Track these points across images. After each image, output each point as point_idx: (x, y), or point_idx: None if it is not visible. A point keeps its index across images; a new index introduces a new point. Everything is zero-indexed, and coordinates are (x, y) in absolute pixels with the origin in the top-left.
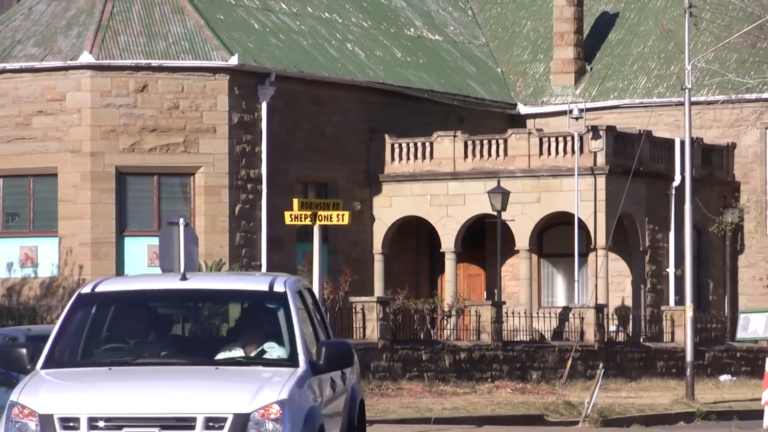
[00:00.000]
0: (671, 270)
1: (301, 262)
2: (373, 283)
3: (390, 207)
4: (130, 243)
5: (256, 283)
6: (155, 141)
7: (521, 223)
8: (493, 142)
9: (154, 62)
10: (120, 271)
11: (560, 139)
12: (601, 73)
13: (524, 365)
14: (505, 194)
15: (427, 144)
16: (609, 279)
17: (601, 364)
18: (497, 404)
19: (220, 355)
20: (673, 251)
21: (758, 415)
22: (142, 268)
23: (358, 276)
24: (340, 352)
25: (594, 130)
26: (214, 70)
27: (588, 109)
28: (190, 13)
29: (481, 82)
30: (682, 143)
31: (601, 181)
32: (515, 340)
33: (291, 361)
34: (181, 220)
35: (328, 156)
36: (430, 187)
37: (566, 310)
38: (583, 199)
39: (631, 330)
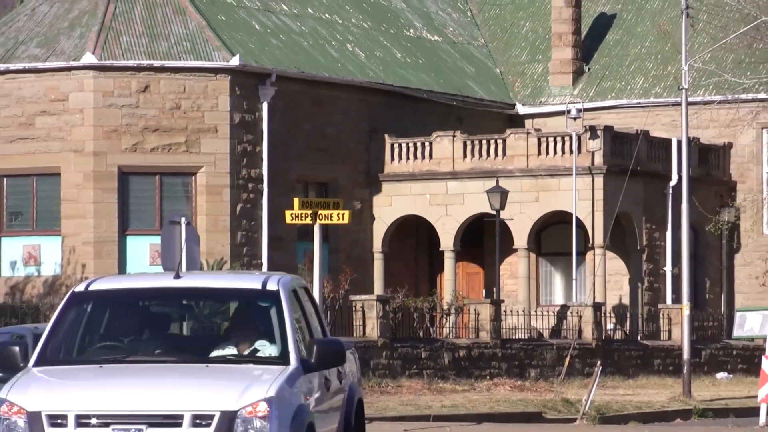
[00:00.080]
0: (668, 268)
1: (301, 261)
2: (373, 282)
3: (390, 206)
4: (132, 242)
5: (249, 281)
6: (157, 141)
7: (520, 222)
8: (492, 142)
9: (156, 63)
10: (122, 269)
11: (558, 139)
12: (598, 73)
13: (523, 363)
14: (504, 193)
15: (427, 144)
16: (607, 277)
17: (598, 362)
18: (496, 402)
19: (212, 353)
20: (670, 250)
21: (754, 412)
22: (144, 266)
23: (358, 274)
24: (331, 350)
25: (592, 130)
26: (216, 71)
27: (586, 110)
28: (192, 14)
29: (480, 82)
30: (679, 143)
31: (599, 180)
32: (514, 338)
33: (282, 359)
34: (183, 219)
35: (328, 156)
36: (429, 187)
37: (564, 309)
38: (581, 198)
39: (628, 328)
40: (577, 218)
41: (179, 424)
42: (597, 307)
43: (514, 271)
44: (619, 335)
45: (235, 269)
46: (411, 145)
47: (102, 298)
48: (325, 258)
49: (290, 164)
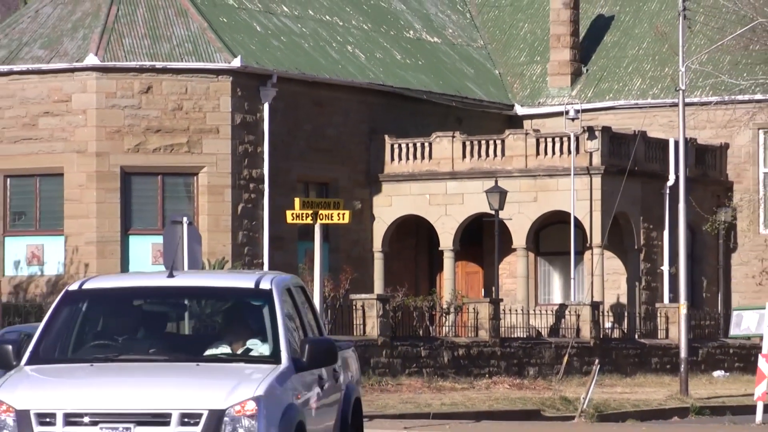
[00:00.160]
0: (665, 268)
1: (302, 261)
2: (373, 281)
3: (390, 206)
4: (134, 241)
5: (242, 280)
6: (159, 141)
7: (518, 221)
8: (491, 142)
9: (159, 64)
10: (125, 269)
11: (557, 139)
12: (596, 74)
13: (521, 361)
14: (503, 193)
15: (426, 144)
16: (604, 277)
17: (596, 361)
18: (495, 399)
19: (204, 352)
20: (667, 249)
21: (751, 410)
22: (146, 266)
23: (359, 274)
24: (323, 349)
25: (590, 131)
26: (217, 72)
27: (584, 110)
28: (194, 15)
29: (479, 83)
30: (676, 143)
31: (597, 180)
32: (512, 336)
33: (273, 357)
34: (185, 219)
35: (329, 156)
36: (429, 187)
37: (562, 308)
38: (579, 198)
39: (626, 327)
40: (575, 218)
41: (167, 423)
42: (595, 306)
43: (513, 270)
44: (616, 334)
45: (237, 269)
46: (411, 145)
47: (95, 297)
48: (325, 257)
49: (291, 164)
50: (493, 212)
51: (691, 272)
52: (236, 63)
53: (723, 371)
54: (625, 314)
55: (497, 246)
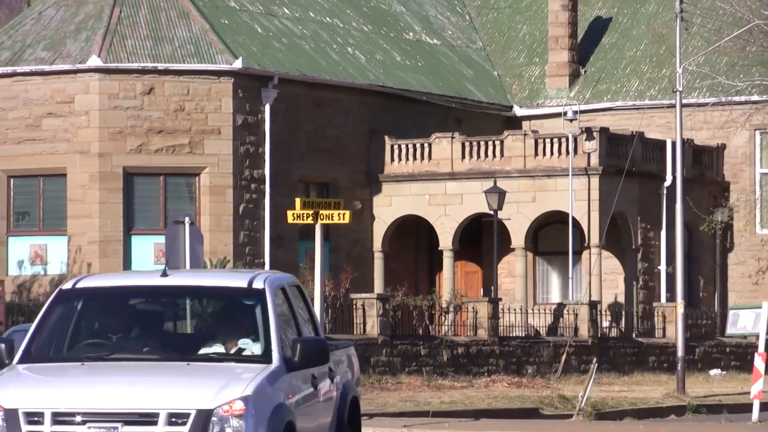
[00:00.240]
0: (663, 267)
1: (303, 260)
2: (373, 280)
3: (390, 206)
4: (137, 241)
5: (235, 280)
6: (161, 142)
7: (517, 221)
8: (490, 143)
9: (161, 65)
10: (127, 268)
11: (555, 140)
12: (594, 76)
13: (520, 360)
14: (502, 194)
15: (426, 145)
16: (602, 276)
17: (594, 359)
18: (494, 398)
19: (196, 352)
20: (664, 249)
21: (747, 408)
22: (148, 265)
23: (359, 273)
24: (314, 348)
25: (588, 132)
26: (219, 74)
27: (582, 111)
28: (196, 17)
29: (478, 84)
30: (674, 144)
31: (595, 181)
32: (511, 335)
33: (264, 357)
34: (187, 219)
35: (329, 156)
36: (428, 187)
37: (561, 307)
38: (577, 198)
39: (623, 326)
40: (573, 218)
41: (154, 423)
42: (593, 305)
43: (512, 269)
44: (614, 333)
45: (239, 268)
46: (410, 146)
47: (88, 296)
48: (326, 257)
49: (292, 165)
50: (492, 212)
51: (688, 272)
52: (238, 64)
53: (720, 370)
54: (623, 313)
55: (496, 246)
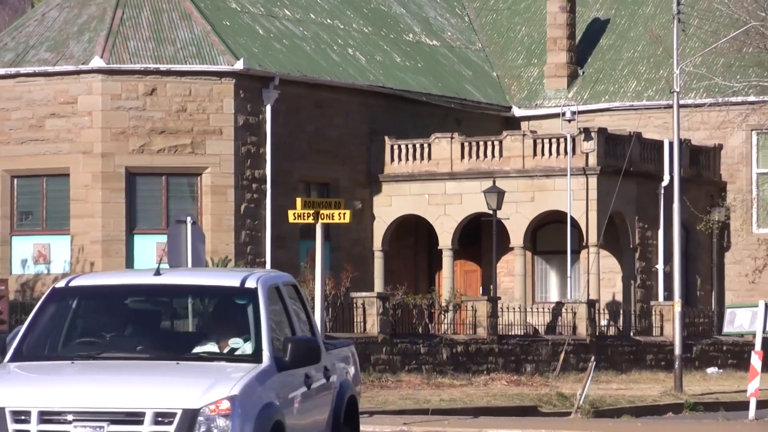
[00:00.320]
0: (660, 266)
1: (304, 259)
2: (373, 279)
3: (389, 206)
4: (139, 240)
5: (228, 278)
6: (164, 142)
7: (516, 221)
8: (489, 143)
9: (163, 66)
10: (130, 267)
11: (553, 140)
12: (592, 77)
13: (519, 358)
14: (501, 194)
15: (426, 145)
16: (600, 275)
17: (592, 357)
18: (493, 396)
19: (187, 351)
20: (662, 248)
21: (744, 406)
22: (151, 264)
23: (359, 272)
24: (306, 348)
25: (586, 132)
26: (221, 74)
27: (580, 112)
28: (197, 19)
29: (478, 85)
30: (671, 144)
31: (593, 180)
32: (510, 334)
33: (254, 356)
34: (189, 219)
35: (330, 157)
36: (428, 187)
37: (559, 305)
38: (576, 198)
39: (621, 324)
40: (571, 217)
41: (140, 422)
42: (591, 304)
43: (511, 269)
44: (612, 331)
45: (240, 267)
46: (410, 146)
47: (81, 295)
48: (326, 256)
49: (293, 165)
50: (491, 212)
51: (685, 271)
52: (239, 65)
53: (716, 368)
54: (621, 312)
55: (495, 245)
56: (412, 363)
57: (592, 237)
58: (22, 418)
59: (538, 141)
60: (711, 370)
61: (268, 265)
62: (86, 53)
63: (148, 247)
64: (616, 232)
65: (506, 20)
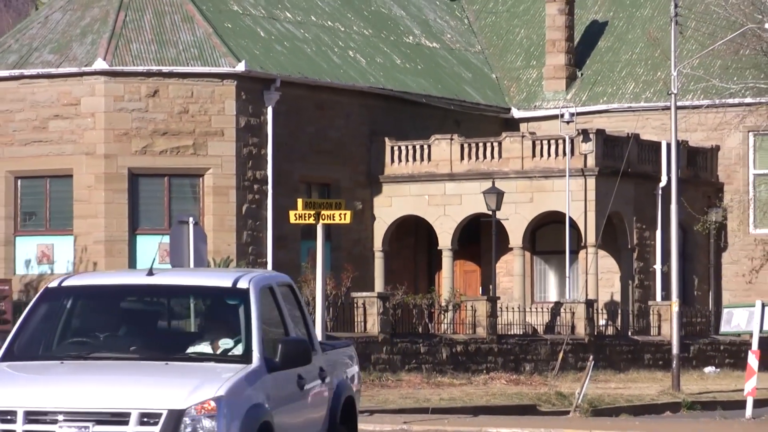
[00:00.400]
0: (658, 267)
1: (305, 259)
2: (373, 279)
3: (390, 206)
4: (142, 241)
5: (220, 279)
6: (166, 144)
7: (515, 221)
8: (488, 144)
9: (165, 68)
10: (132, 267)
11: (552, 141)
12: (591, 78)
13: (518, 358)
14: (500, 194)
15: (425, 146)
16: (599, 275)
17: (591, 357)
18: (492, 395)
19: (178, 351)
20: (659, 249)
21: (741, 405)
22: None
23: (360, 272)
24: (296, 349)
25: (584, 134)
26: (222, 76)
27: (578, 113)
28: (199, 21)
29: (477, 87)
30: (669, 146)
31: (591, 181)
32: (509, 333)
33: (244, 357)
34: (191, 219)
35: (330, 158)
36: (428, 188)
37: (558, 305)
38: (574, 199)
39: (619, 324)
40: (570, 218)
41: (125, 422)
42: (589, 304)
43: (510, 269)
44: (610, 331)
45: (242, 267)
46: (410, 147)
47: (74, 294)
48: (327, 256)
49: (294, 166)
50: (490, 212)
51: (682, 271)
52: (241, 67)
53: (714, 367)
54: (619, 312)
55: (494, 245)
56: (412, 362)
57: (591, 237)
58: (8, 418)
59: (537, 142)
60: (708, 369)
61: (269, 266)
62: (89, 55)
63: (151, 247)
64: (614, 233)
65: (505, 22)
